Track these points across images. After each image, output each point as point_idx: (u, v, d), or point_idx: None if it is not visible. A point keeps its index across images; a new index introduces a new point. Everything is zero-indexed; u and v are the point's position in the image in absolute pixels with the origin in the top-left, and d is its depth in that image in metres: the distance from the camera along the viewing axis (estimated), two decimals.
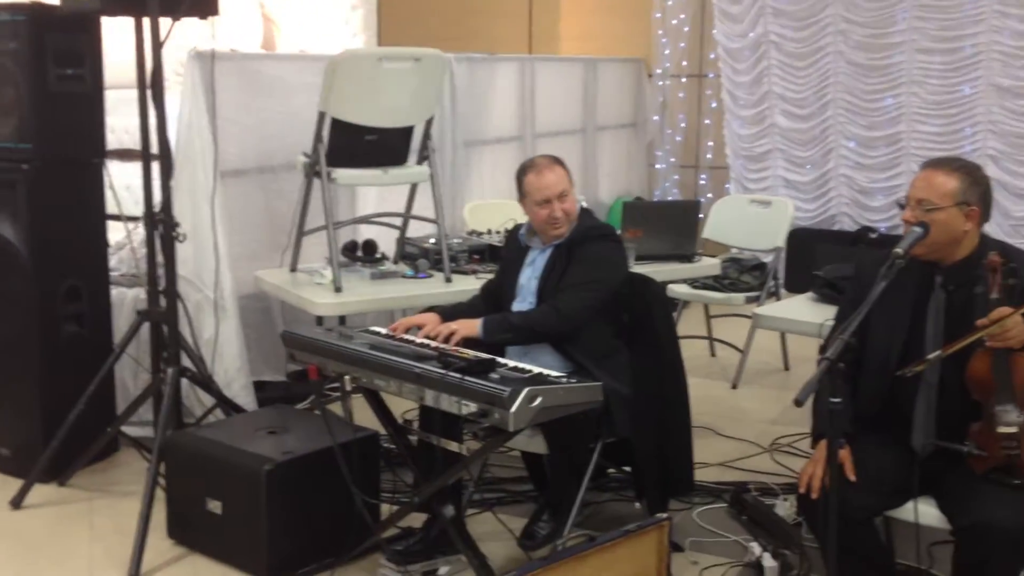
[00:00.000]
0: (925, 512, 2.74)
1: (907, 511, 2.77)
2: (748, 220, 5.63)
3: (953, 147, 6.76)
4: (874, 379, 2.84)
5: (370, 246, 4.51)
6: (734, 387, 5.29)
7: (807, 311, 4.15)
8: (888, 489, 2.76)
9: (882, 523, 2.90)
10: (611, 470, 3.77)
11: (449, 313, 3.37)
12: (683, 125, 7.73)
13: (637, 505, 3.56)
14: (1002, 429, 2.58)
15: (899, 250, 2.63)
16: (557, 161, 3.44)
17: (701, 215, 5.18)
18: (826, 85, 7.03)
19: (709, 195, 7.50)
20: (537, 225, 3.43)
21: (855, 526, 2.72)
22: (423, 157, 4.41)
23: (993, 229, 6.27)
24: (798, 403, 2.35)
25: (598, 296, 3.28)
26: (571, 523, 3.22)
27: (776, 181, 7.36)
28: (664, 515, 2.87)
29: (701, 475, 3.84)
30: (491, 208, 5.36)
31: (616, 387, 3.21)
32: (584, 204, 3.60)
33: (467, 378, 2.70)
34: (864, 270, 2.92)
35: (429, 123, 4.39)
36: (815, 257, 6.02)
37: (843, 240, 6.93)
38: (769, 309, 4.58)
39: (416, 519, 3.35)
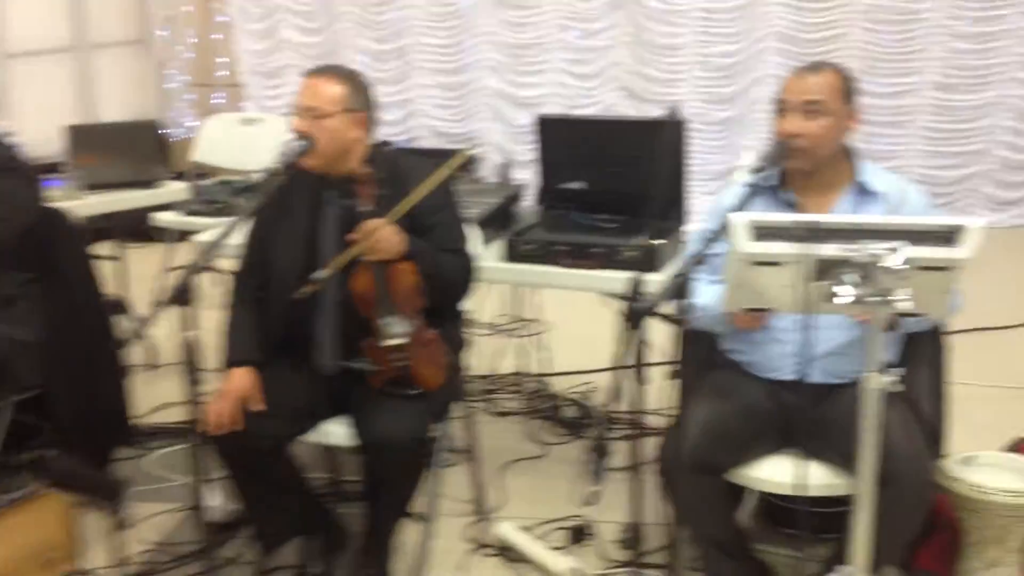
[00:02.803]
0: (335, 432, 2.70)
1: (320, 434, 2.72)
2: (238, 140, 5.38)
3: (457, 58, 6.94)
4: (278, 301, 2.73)
5: None
6: None
7: None
8: (299, 414, 2.68)
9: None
10: None
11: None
12: (193, 41, 7.29)
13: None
14: (388, 342, 2.57)
15: (278, 165, 2.54)
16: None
17: (170, 134, 4.86)
18: None
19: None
20: None
21: (264, 455, 2.63)
22: None
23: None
24: None
25: None
26: None
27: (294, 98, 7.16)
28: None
29: (163, 416, 3.62)
30: None
31: (14, 335, 2.88)
32: None
33: None
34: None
35: None
36: None
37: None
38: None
39: None
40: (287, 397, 2.66)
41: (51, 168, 4.12)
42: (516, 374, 4.09)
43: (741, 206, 2.33)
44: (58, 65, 6.29)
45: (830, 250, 1.99)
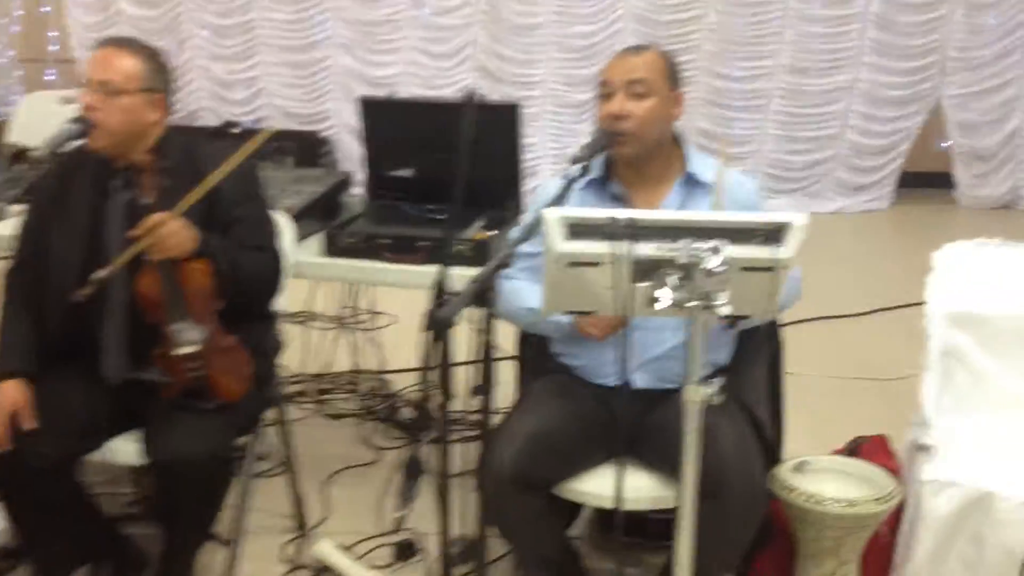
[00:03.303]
0: (124, 450, 2.43)
1: (106, 452, 2.44)
2: (57, 120, 4.97)
3: (306, 35, 6.61)
4: (56, 303, 2.43)
5: None
6: None
7: None
8: (82, 430, 2.40)
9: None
10: None
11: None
12: (19, 13, 6.77)
13: None
14: (180, 351, 2.31)
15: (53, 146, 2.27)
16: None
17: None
18: None
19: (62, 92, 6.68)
20: None
21: (41, 477, 2.34)
22: None
23: None
24: None
25: None
26: None
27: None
28: None
29: None
30: None
31: None
32: None
33: None
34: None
35: None
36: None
37: (206, 137, 6.55)
38: None
39: None
40: (67, 411, 2.37)
41: None
42: (352, 372, 3.85)
43: (560, 199, 2.15)
44: None
45: (648, 250, 1.83)
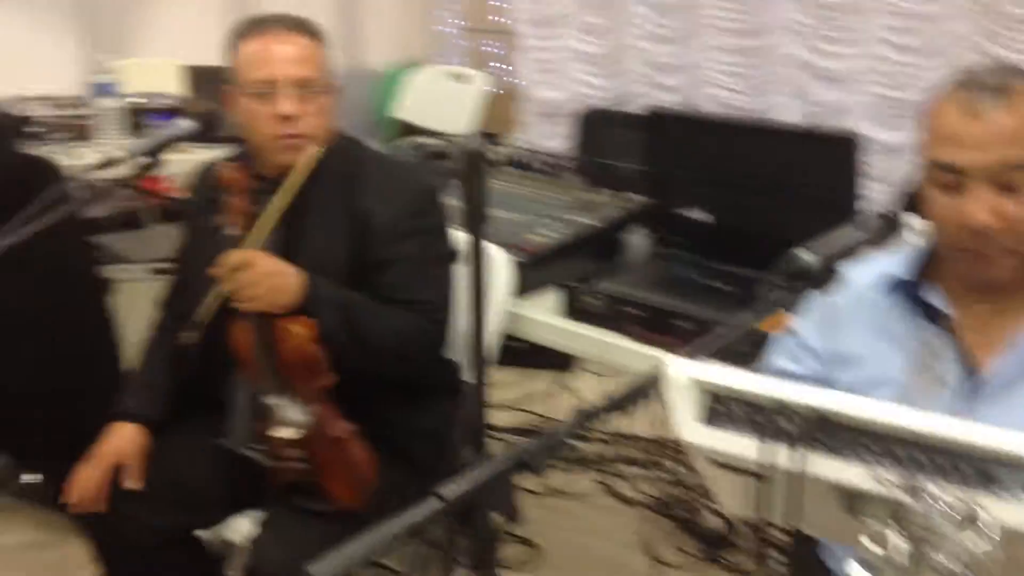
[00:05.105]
0: (240, 531, 1.95)
1: (227, 530, 1.98)
2: (441, 97, 4.70)
3: (752, 17, 5.79)
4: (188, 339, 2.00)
5: None
6: None
7: None
8: (197, 500, 1.96)
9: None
10: None
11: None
12: None
13: None
14: (278, 432, 1.76)
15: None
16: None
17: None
18: None
19: (496, 64, 6.52)
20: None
21: (151, 553, 1.93)
22: None
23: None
24: None
25: None
26: None
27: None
28: None
29: None
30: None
31: None
32: None
33: None
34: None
35: None
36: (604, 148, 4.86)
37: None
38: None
39: None
40: (182, 475, 1.94)
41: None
42: (656, 443, 3.10)
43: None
44: None
45: (839, 471, 0.93)
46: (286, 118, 1.90)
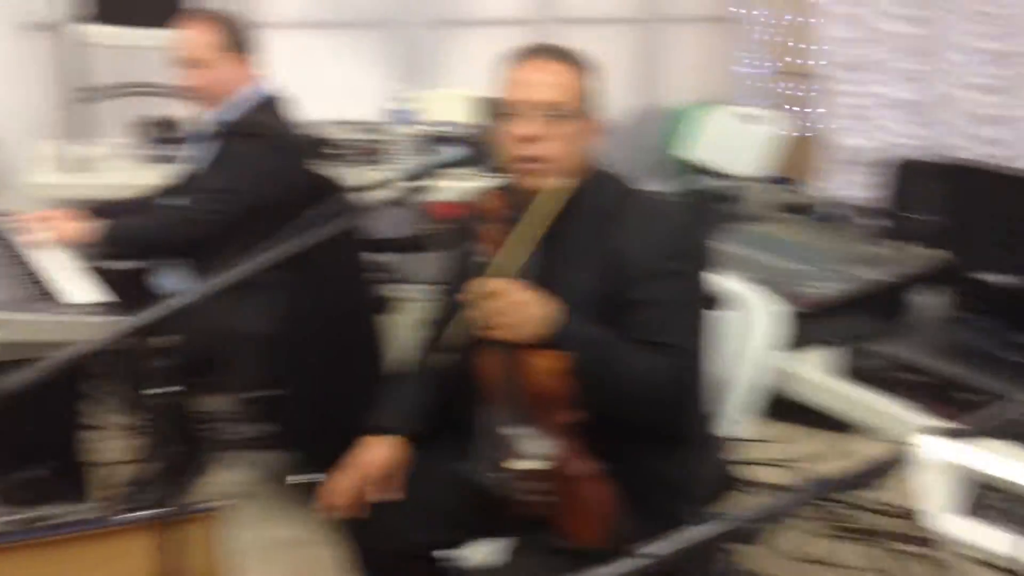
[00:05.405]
0: (475, 558, 1.96)
1: (465, 555, 1.99)
2: (731, 137, 4.59)
3: None
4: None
5: None
6: None
7: None
8: (447, 518, 1.99)
9: None
10: None
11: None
12: (781, 21, 6.49)
13: None
14: (517, 463, 1.74)
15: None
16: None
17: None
18: None
19: (794, 108, 6.30)
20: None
21: (403, 566, 1.99)
22: None
23: None
24: None
25: None
26: None
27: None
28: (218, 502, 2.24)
29: None
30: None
31: (241, 327, 2.56)
32: None
33: None
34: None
35: None
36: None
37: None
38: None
39: None
40: (434, 493, 1.97)
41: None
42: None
43: None
44: (623, 36, 6.01)
45: None
46: (525, 139, 1.88)
